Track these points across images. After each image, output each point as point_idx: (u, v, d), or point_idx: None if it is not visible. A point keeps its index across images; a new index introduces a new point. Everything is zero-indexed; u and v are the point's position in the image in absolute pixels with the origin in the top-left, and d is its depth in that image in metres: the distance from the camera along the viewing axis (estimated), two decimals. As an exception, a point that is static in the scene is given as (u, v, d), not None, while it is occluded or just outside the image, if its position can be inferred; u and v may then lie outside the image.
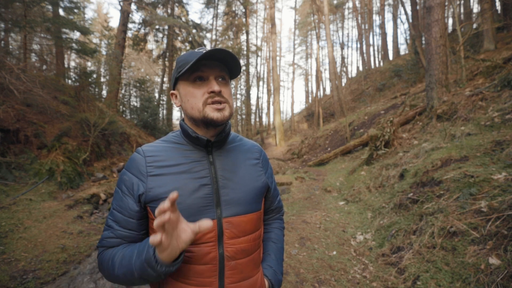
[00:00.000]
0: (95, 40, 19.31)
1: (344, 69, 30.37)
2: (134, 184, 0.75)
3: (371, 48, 29.86)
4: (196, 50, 0.76)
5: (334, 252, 3.03)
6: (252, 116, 27.93)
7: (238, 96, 27.54)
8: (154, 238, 0.55)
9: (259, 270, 0.85)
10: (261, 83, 30.57)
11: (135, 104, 20.08)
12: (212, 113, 0.74)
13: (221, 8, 23.44)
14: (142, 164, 0.76)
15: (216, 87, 0.74)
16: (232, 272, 0.75)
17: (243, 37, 24.03)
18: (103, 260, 0.74)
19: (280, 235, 1.01)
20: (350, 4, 30.85)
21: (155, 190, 0.73)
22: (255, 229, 0.82)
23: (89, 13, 32.83)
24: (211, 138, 0.80)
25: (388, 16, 51.63)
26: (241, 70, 0.83)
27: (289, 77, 53.50)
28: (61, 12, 9.62)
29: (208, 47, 0.83)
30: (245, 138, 0.96)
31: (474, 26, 11.02)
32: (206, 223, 0.60)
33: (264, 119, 37.98)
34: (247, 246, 0.79)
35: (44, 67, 10.88)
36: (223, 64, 0.78)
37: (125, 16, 13.88)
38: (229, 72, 0.82)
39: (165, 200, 0.55)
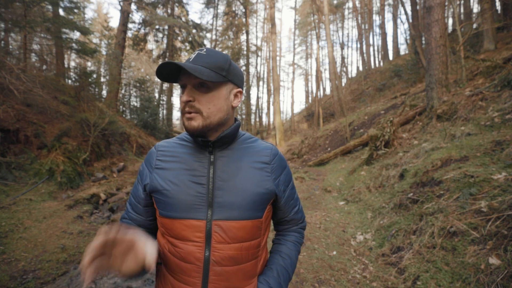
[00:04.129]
0: (95, 40, 19.30)
1: (344, 69, 30.39)
2: (144, 174, 0.83)
3: (371, 48, 29.89)
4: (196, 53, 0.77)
5: (334, 252, 3.03)
6: (252, 116, 27.92)
7: (238, 96, 27.41)
8: (82, 262, 0.55)
9: (251, 283, 0.79)
10: (261, 83, 30.62)
11: (135, 104, 20.08)
12: (184, 121, 0.76)
13: (221, 8, 23.46)
14: (153, 157, 0.83)
15: (183, 97, 0.73)
16: (217, 278, 0.74)
17: (243, 37, 24.03)
18: None
19: (293, 250, 0.90)
20: (350, 4, 30.89)
21: (156, 182, 0.78)
22: (249, 237, 0.77)
23: (89, 13, 32.89)
24: (210, 139, 0.80)
25: (388, 16, 51.69)
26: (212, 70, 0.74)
27: (289, 77, 53.54)
28: (61, 12, 9.62)
29: (209, 47, 0.81)
30: (260, 140, 0.89)
31: (474, 26, 11.02)
32: (148, 259, 0.57)
33: (264, 119, 37.95)
34: (237, 254, 0.75)
35: (44, 67, 10.88)
36: (198, 73, 0.70)
37: (125, 16, 13.89)
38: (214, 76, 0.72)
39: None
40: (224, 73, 0.75)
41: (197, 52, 0.75)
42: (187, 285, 0.74)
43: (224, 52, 0.84)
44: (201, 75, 0.69)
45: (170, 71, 0.74)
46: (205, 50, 0.76)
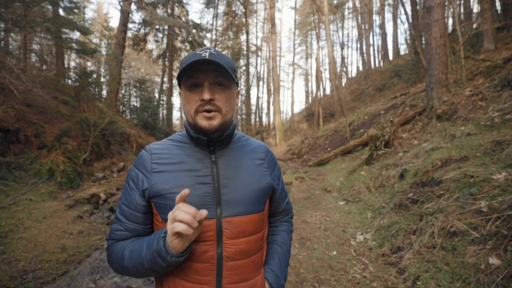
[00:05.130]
0: (95, 40, 19.27)
1: (344, 69, 30.39)
2: (139, 180, 0.78)
3: (371, 48, 29.89)
4: (197, 52, 0.75)
5: (334, 252, 3.03)
6: (252, 116, 27.91)
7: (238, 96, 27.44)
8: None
9: (260, 273, 0.83)
10: (261, 83, 30.59)
11: (135, 104, 20.08)
12: (201, 121, 0.75)
13: (221, 8, 23.45)
14: (148, 160, 0.79)
15: (206, 95, 0.72)
16: (230, 272, 0.75)
17: (243, 37, 24.03)
18: (112, 253, 0.77)
19: (287, 238, 0.98)
20: (350, 4, 30.89)
21: (158, 186, 0.75)
22: (256, 230, 0.81)
23: (89, 13, 32.90)
24: (213, 138, 0.80)
25: (388, 16, 51.71)
26: (235, 70, 0.80)
27: (289, 77, 53.59)
28: (61, 12, 9.62)
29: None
30: (252, 138, 0.95)
31: (474, 26, 11.02)
32: (203, 212, 0.64)
33: (264, 119, 37.98)
34: (247, 247, 0.78)
35: (44, 67, 10.88)
36: (222, 68, 0.73)
37: (125, 16, 13.89)
38: (232, 75, 0.76)
39: (178, 198, 0.63)
40: (235, 73, 0.79)
41: (208, 51, 0.74)
42: (201, 285, 0.74)
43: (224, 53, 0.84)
44: (232, 75, 0.73)
45: (187, 67, 0.73)
46: (213, 49, 0.76)
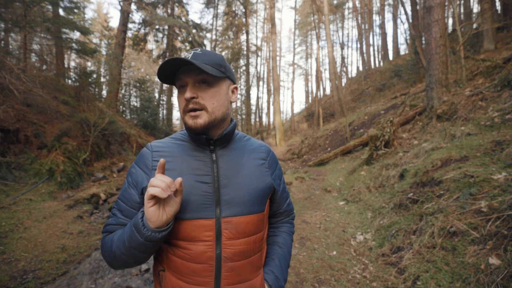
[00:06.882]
0: (95, 40, 19.25)
1: (344, 69, 30.38)
2: (139, 177, 0.78)
3: (371, 48, 29.88)
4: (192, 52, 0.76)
5: (334, 252, 3.03)
6: (252, 116, 27.87)
7: (238, 96, 27.39)
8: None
9: (259, 274, 0.82)
10: (261, 83, 30.56)
11: (135, 104, 20.08)
12: (188, 120, 0.75)
13: (221, 8, 23.43)
14: (149, 158, 0.79)
15: (186, 94, 0.73)
16: (229, 273, 0.74)
17: (243, 37, 24.00)
18: (105, 242, 0.77)
19: (288, 240, 0.97)
20: (350, 4, 30.89)
21: None
22: (256, 231, 0.80)
23: (89, 13, 32.90)
24: (213, 137, 0.80)
25: (388, 16, 51.71)
26: (217, 65, 0.77)
27: (289, 77, 53.59)
28: (61, 12, 9.62)
29: (208, 47, 0.80)
30: (253, 138, 0.94)
31: (474, 26, 11.02)
32: (178, 179, 0.66)
33: (264, 119, 37.98)
34: (246, 248, 0.77)
35: (44, 67, 10.88)
36: (204, 67, 0.71)
37: (125, 16, 13.89)
38: (216, 71, 0.74)
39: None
40: (222, 69, 0.78)
41: (192, 52, 0.75)
42: (199, 286, 0.73)
43: (221, 53, 0.84)
44: (207, 69, 0.71)
45: (170, 71, 0.74)
46: (199, 50, 0.76)
